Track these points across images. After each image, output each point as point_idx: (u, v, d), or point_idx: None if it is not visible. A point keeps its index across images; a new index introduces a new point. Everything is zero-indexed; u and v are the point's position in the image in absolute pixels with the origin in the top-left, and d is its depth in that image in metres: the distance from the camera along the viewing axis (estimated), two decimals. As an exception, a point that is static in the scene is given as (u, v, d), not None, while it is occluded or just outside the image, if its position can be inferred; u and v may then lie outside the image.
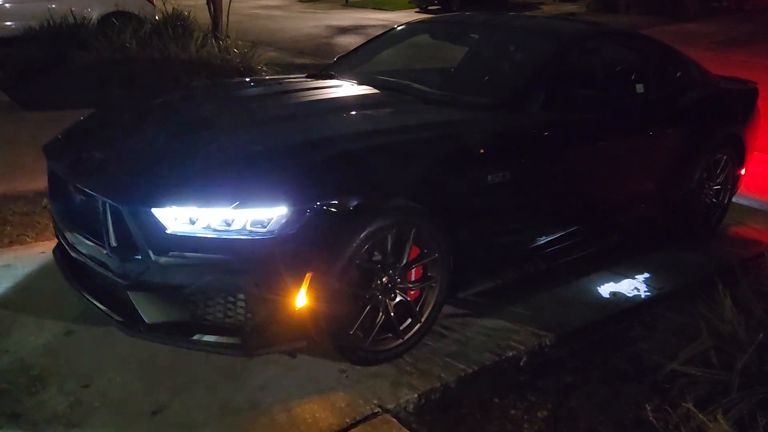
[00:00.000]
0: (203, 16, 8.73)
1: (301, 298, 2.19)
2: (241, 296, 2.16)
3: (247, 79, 3.97)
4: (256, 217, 2.11)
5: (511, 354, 2.67)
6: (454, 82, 3.28)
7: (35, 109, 5.98)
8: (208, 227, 2.12)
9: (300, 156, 2.32)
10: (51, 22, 8.28)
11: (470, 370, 2.54)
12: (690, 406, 2.25)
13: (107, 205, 2.19)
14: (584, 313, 3.04)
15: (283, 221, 2.12)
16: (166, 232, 2.12)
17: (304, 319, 2.23)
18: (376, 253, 2.42)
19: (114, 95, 5.94)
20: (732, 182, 4.09)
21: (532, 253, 3.13)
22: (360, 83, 3.24)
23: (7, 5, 9.38)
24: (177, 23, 8.31)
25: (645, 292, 3.29)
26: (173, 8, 8.74)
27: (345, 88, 3.16)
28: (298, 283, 2.17)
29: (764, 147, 4.50)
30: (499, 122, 2.81)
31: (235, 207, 2.10)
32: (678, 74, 3.77)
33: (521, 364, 2.69)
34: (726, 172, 4.00)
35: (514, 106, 2.88)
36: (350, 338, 2.37)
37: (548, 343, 2.80)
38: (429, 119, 2.76)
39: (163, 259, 2.13)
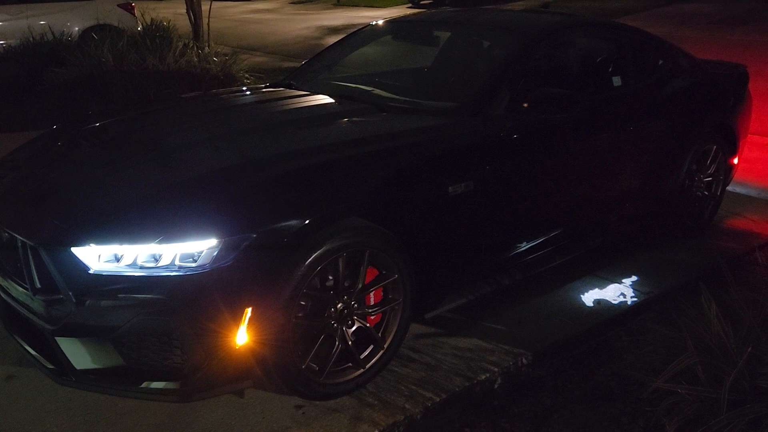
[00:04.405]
0: (185, 25, 8.57)
1: (241, 336, 2.01)
2: (175, 337, 1.98)
3: (195, 95, 3.78)
4: (184, 251, 1.94)
5: (483, 377, 2.48)
6: (413, 86, 3.09)
7: (2, 130, 5.84)
8: (134, 264, 1.95)
9: (233, 180, 2.14)
10: (31, 39, 8.16)
11: (438, 399, 2.36)
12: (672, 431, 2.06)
13: (27, 245, 2.03)
14: (565, 326, 2.84)
15: (215, 254, 1.94)
16: (90, 272, 1.95)
17: (247, 357, 2.05)
18: (329, 277, 2.24)
19: (79, 114, 5.79)
20: (724, 173, 3.88)
21: (509, 264, 2.93)
22: (316, 92, 3.06)
23: (-15, 25, 9.28)
24: (156, 34, 8.15)
25: (632, 298, 3.08)
26: (152, 19, 8.58)
27: (298, 99, 2.98)
28: (237, 320, 1.99)
29: (758, 129, 4.27)
30: (458, 129, 2.61)
31: (160, 242, 1.93)
32: (660, 63, 3.55)
33: (495, 387, 2.50)
34: (717, 162, 3.78)
35: (475, 110, 2.68)
36: (302, 373, 2.20)
37: (525, 361, 2.60)
38: (383, 130, 2.57)
39: (88, 301, 1.96)
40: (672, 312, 2.70)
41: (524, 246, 2.91)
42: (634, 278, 3.26)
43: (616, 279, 3.24)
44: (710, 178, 3.79)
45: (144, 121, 2.99)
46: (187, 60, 7.26)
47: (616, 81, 3.25)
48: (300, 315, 2.17)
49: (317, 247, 2.12)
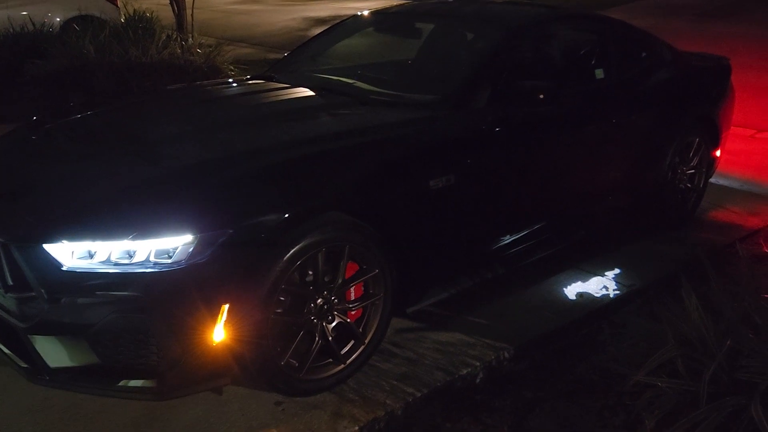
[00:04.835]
0: (168, 16, 8.46)
1: (219, 333, 1.99)
2: (151, 335, 1.95)
3: (175, 88, 3.71)
4: (159, 247, 1.91)
5: (465, 372, 2.48)
6: (395, 79, 3.06)
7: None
8: (108, 261, 1.92)
9: (210, 175, 2.11)
10: (11, 30, 8.01)
11: (419, 394, 2.35)
12: (652, 425, 2.07)
13: (-2, 241, 1.99)
14: (547, 319, 2.84)
15: (191, 250, 1.91)
16: (62, 269, 1.91)
17: (225, 354, 2.03)
18: (309, 272, 2.22)
19: (60, 106, 5.70)
20: (707, 165, 3.89)
21: (491, 257, 2.92)
22: (298, 85, 3.02)
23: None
24: (139, 25, 8.03)
25: (614, 290, 3.09)
26: (134, 9, 8.46)
27: (279, 92, 2.93)
28: (214, 317, 1.97)
29: (742, 121, 4.28)
30: (439, 122, 2.59)
31: (134, 238, 1.89)
32: (642, 55, 3.54)
33: (477, 381, 2.50)
34: (700, 155, 3.79)
35: (457, 103, 2.66)
36: (282, 370, 2.17)
37: (507, 355, 2.60)
38: (364, 123, 2.54)
39: (61, 299, 1.93)
40: (654, 305, 2.70)
41: (507, 239, 2.90)
42: (616, 271, 3.26)
43: (599, 272, 3.24)
44: (693, 171, 3.80)
45: (122, 114, 2.94)
46: (171, 52, 7.16)
47: (599, 73, 3.24)
48: (279, 311, 2.15)
49: (296, 242, 2.10)
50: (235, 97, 2.93)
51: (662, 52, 3.70)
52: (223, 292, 1.97)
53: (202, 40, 7.89)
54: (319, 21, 14.22)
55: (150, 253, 1.91)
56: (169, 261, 1.91)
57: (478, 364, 2.51)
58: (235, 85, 3.19)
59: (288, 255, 2.08)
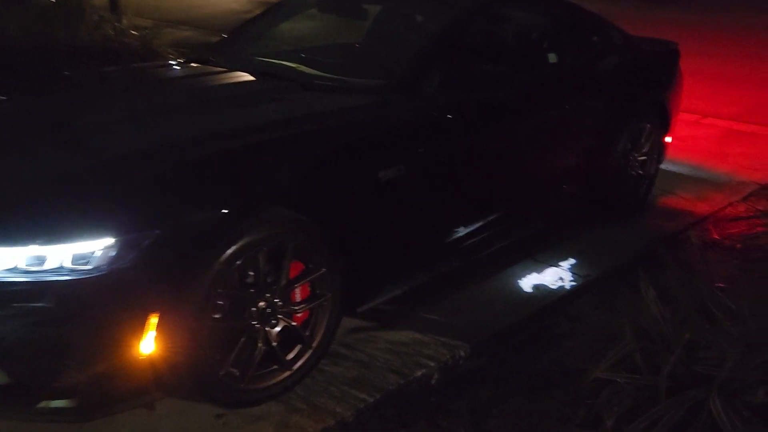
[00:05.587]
0: (100, -5, 7.96)
1: (147, 345, 1.79)
2: (69, 350, 1.74)
3: (100, 71, 3.40)
4: (76, 251, 1.69)
5: (420, 373, 2.35)
6: (341, 62, 2.88)
7: None
8: (15, 269, 1.69)
9: (135, 169, 1.89)
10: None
11: (372, 399, 2.21)
12: (611, 422, 1.99)
13: None
14: (504, 313, 2.74)
15: (112, 254, 1.70)
16: (-38, 278, 1.67)
17: (155, 367, 1.83)
18: (250, 273, 2.04)
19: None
20: (658, 151, 3.87)
21: (446, 251, 2.80)
22: (236, 68, 2.79)
23: None
24: (68, 4, 7.53)
25: (570, 281, 3.02)
26: (64, -13, 7.91)
27: (215, 77, 2.71)
28: (141, 327, 1.77)
29: (687, 106, 4.29)
30: (388, 108, 2.43)
31: (44, 242, 1.67)
32: (594, 39, 3.47)
33: (433, 382, 2.37)
34: (651, 141, 3.76)
35: (406, 88, 2.50)
36: (221, 380, 1.99)
37: (463, 354, 2.48)
38: (307, 110, 2.35)
39: (-37, 312, 1.69)
40: (611, 296, 2.64)
41: (462, 231, 2.78)
42: (571, 261, 3.19)
43: (554, 262, 3.17)
44: (644, 157, 3.77)
45: (42, 101, 2.65)
46: (103, 34, 6.75)
47: (552, 57, 3.14)
48: (216, 317, 1.96)
49: (234, 241, 1.91)
50: (167, 82, 2.69)
51: (613, 36, 3.64)
52: (151, 300, 1.77)
53: (139, 22, 7.47)
54: (265, 3, 13.79)
55: (65, 260, 1.69)
56: (88, 267, 1.69)
57: (433, 364, 2.39)
58: (167, 69, 2.95)
59: (225, 256, 1.89)
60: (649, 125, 3.69)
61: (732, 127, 5.60)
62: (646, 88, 3.66)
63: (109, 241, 1.70)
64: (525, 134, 2.97)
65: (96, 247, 1.69)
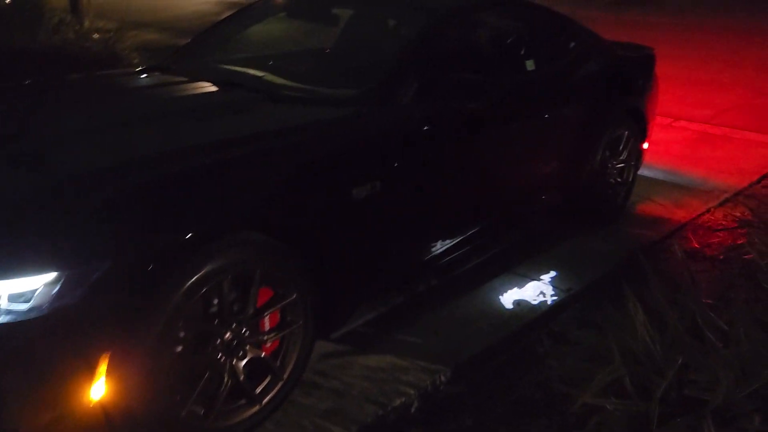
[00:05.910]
0: (61, -2, 7.66)
1: (98, 389, 1.62)
2: (8, 398, 1.56)
3: (49, 81, 3.15)
4: (13, 289, 1.51)
5: (399, 402, 2.22)
6: (311, 71, 2.74)
7: None
8: (-57, 310, 1.50)
9: (83, 192, 1.72)
10: None
11: (348, 433, 2.07)
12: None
13: None
14: (485, 333, 2.62)
15: (55, 291, 1.53)
16: None
17: (108, 414, 1.66)
18: (214, 302, 1.88)
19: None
20: (636, 158, 3.80)
21: (424, 269, 2.68)
22: (198, 78, 2.62)
23: None
24: (27, 7, 7.22)
25: (551, 296, 2.92)
26: (22, -11, 7.60)
27: (176, 87, 2.54)
28: (91, 370, 1.60)
29: (659, 110, 4.25)
30: (361, 121, 2.28)
31: (-26, 280, 1.49)
32: (571, 45, 3.38)
33: (412, 411, 2.24)
34: (629, 148, 3.69)
35: (380, 99, 2.36)
36: (183, 421, 1.83)
37: (443, 379, 2.36)
38: (274, 124, 2.19)
39: None
40: (594, 312, 2.55)
41: (440, 248, 2.66)
42: (552, 274, 3.09)
43: (535, 276, 3.07)
44: (623, 164, 3.70)
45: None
46: (63, 37, 6.46)
47: (530, 65, 3.04)
48: (177, 352, 1.80)
49: (195, 270, 1.76)
50: (123, 93, 2.50)
51: (590, 42, 3.56)
52: (101, 339, 1.60)
53: (102, 24, 7.20)
54: (235, 5, 13.51)
55: (1, 298, 1.51)
56: (27, 307, 1.52)
57: (412, 392, 2.26)
58: (124, 78, 2.75)
59: (186, 285, 1.74)
60: (627, 132, 3.62)
61: (704, 130, 5.60)
62: (624, 95, 3.59)
63: (52, 275, 1.52)
64: (504, 144, 2.87)
65: (36, 284, 1.51)
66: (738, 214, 3.87)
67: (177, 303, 1.72)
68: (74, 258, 1.55)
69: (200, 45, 3.11)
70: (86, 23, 6.95)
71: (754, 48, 8.69)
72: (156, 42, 8.99)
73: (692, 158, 4.88)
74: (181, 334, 1.80)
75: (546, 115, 3.03)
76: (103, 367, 1.61)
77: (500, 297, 2.87)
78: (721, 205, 4.04)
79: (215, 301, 1.88)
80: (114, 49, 6.63)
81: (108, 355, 1.61)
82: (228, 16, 3.31)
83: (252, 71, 2.65)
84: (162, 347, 1.72)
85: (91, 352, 1.59)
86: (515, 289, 2.95)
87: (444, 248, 2.67)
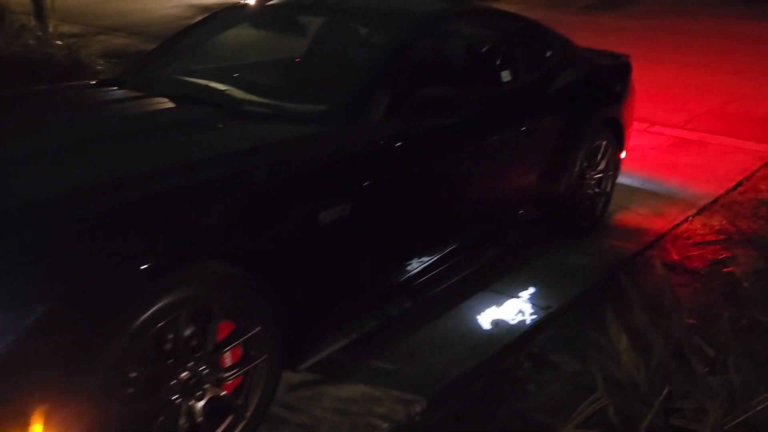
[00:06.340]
0: (25, 2, 7.39)
1: (35, 445, 1.47)
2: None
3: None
4: (-63, 337, 1.36)
5: (371, 437, 2.09)
6: (276, 85, 2.59)
7: None
8: None
9: (18, 224, 1.56)
10: None
11: (317, 474, 1.94)
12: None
13: None
14: (462, 357, 2.51)
15: (-16, 339, 1.38)
16: None
17: (48, 470, 1.51)
18: (169, 338, 1.74)
19: None
20: (613, 168, 3.73)
21: (397, 291, 2.56)
22: (155, 93, 2.47)
23: None
24: (-14, 12, 6.95)
25: (531, 315, 2.82)
26: (-21, -6, 7.32)
27: (130, 103, 2.38)
28: (25, 424, 1.44)
29: (635, 115, 4.19)
30: (330, 140, 2.16)
31: None
32: (547, 54, 3.29)
33: (386, 445, 2.12)
34: (607, 158, 3.62)
35: (350, 116, 2.23)
36: (135, 471, 1.68)
37: (419, 409, 2.24)
38: (235, 144, 2.04)
39: None
40: (575, 334, 2.45)
41: (414, 268, 2.54)
42: (530, 291, 3.00)
43: (513, 293, 2.96)
44: (601, 175, 3.63)
45: None
46: (24, 43, 6.21)
47: (506, 75, 2.94)
48: (126, 395, 1.65)
49: (148, 305, 1.61)
50: (72, 111, 2.33)
51: (566, 51, 3.48)
52: (38, 390, 1.45)
53: (68, 29, 6.95)
54: (206, 9, 13.22)
55: None
56: (-47, 355, 1.36)
57: (386, 425, 2.14)
58: (75, 93, 2.58)
59: (136, 324, 1.59)
60: (605, 142, 3.55)
61: (679, 136, 5.58)
62: (602, 105, 3.52)
63: (-22, 323, 1.37)
64: (479, 159, 2.76)
65: (-37, 331, 1.36)
66: (716, 224, 3.82)
67: (126, 343, 1.58)
68: (9, 299, 1.40)
69: (161, 56, 2.95)
70: (50, 28, 6.69)
71: (725, 52, 8.75)
72: (124, 47, 8.76)
73: (668, 164, 4.84)
74: (132, 375, 1.66)
75: (523, 128, 2.93)
76: (39, 420, 1.45)
77: (477, 317, 2.76)
78: (699, 213, 3.99)
79: (170, 337, 1.73)
80: (78, 55, 6.39)
81: (47, 407, 1.45)
82: (189, 26, 3.15)
83: (214, 85, 2.50)
84: (108, 392, 1.57)
85: (25, 405, 1.44)
86: (493, 307, 2.84)
87: (419, 269, 2.56)
